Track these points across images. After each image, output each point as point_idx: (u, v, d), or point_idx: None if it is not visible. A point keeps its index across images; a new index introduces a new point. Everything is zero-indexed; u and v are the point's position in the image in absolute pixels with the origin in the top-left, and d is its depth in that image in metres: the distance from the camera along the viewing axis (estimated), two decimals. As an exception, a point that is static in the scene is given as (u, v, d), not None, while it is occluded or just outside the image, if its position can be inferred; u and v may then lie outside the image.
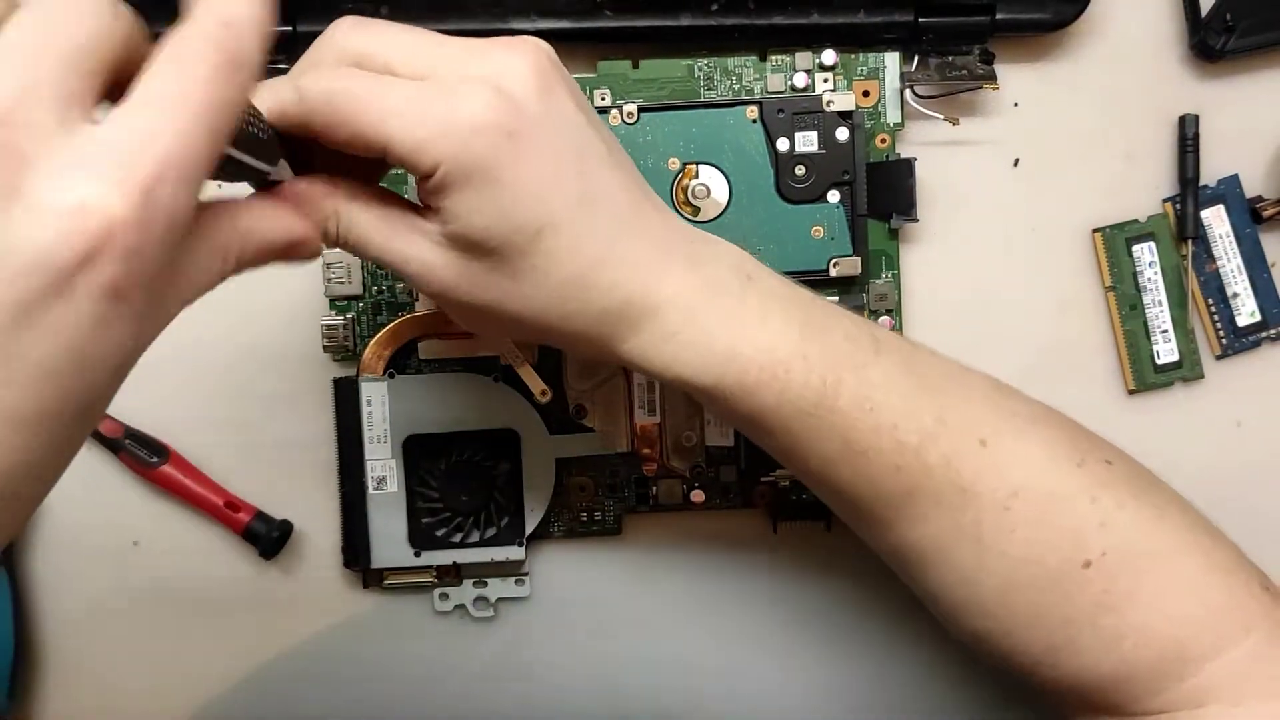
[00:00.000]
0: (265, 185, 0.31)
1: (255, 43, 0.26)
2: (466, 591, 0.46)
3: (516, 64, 0.31)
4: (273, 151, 0.30)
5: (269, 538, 0.45)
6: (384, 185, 0.34)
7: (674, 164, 0.44)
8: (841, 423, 0.35)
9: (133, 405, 0.45)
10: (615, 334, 0.34)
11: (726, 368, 0.34)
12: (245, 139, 0.28)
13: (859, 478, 0.36)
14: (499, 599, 0.46)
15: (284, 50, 0.43)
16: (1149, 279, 0.46)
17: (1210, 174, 0.46)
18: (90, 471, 0.46)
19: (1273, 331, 0.46)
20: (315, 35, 0.42)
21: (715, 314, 0.34)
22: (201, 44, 0.25)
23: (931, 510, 0.36)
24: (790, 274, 0.43)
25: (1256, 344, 0.47)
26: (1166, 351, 0.46)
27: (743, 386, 0.34)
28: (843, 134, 0.44)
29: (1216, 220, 0.46)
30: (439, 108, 0.30)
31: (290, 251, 0.31)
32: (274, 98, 0.30)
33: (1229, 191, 0.46)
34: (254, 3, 0.27)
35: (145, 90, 0.25)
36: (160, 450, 0.45)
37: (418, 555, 0.45)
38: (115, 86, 0.25)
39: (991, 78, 0.44)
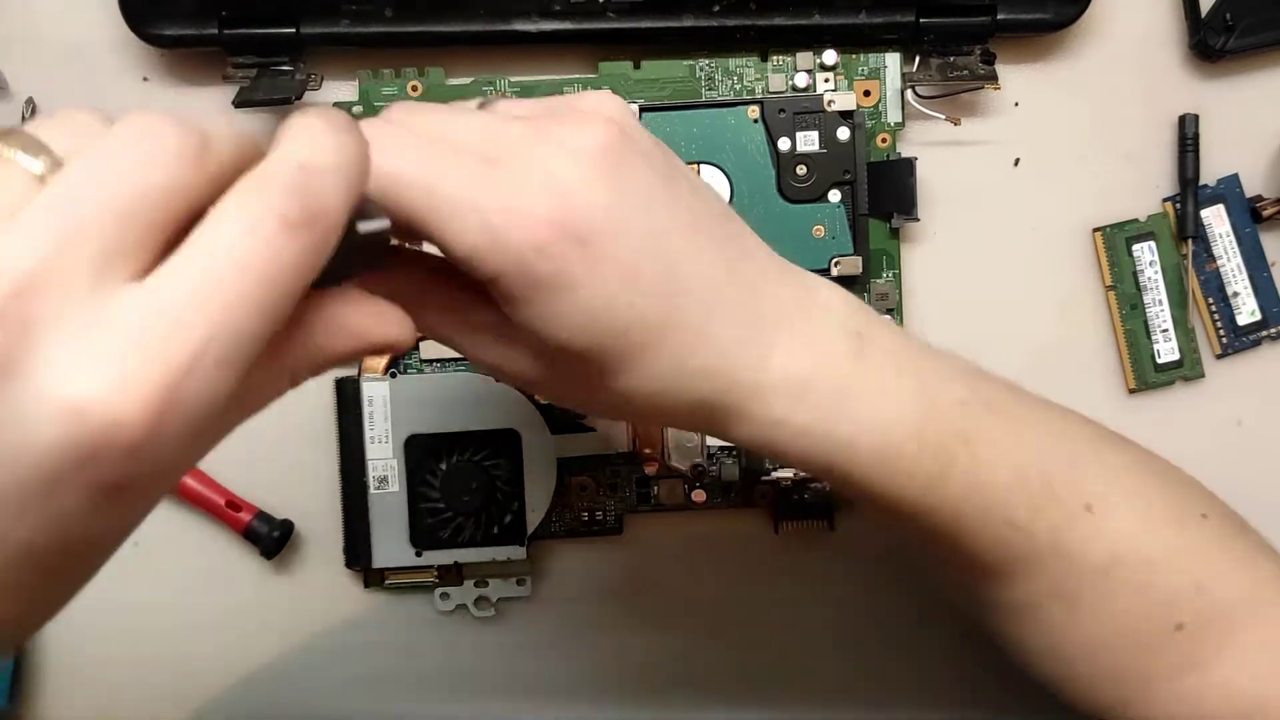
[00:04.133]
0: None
1: (341, 196, 0.23)
2: (468, 591, 0.46)
3: (583, 148, 0.28)
4: (349, 263, 0.25)
5: (270, 537, 0.45)
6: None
7: (675, 164, 0.44)
8: (951, 502, 0.33)
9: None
10: (719, 419, 0.31)
11: (837, 454, 0.32)
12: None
13: (962, 547, 0.35)
14: (500, 599, 0.46)
15: (287, 52, 0.43)
16: (1149, 278, 0.46)
17: (1210, 173, 0.46)
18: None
19: (1273, 330, 0.47)
20: (317, 37, 0.43)
21: (824, 395, 0.31)
22: (274, 192, 0.22)
23: (1031, 573, 0.35)
24: (791, 273, 0.44)
25: (1257, 343, 0.47)
26: (1167, 351, 0.46)
27: (853, 471, 0.32)
28: (844, 134, 0.44)
29: (1216, 220, 0.46)
30: (492, 215, 0.27)
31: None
32: None
33: (1229, 191, 0.46)
34: (344, 146, 0.23)
35: (196, 248, 0.21)
36: (162, 450, 0.45)
37: (419, 555, 0.45)
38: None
39: (992, 78, 0.44)
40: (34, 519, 0.20)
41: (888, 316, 0.45)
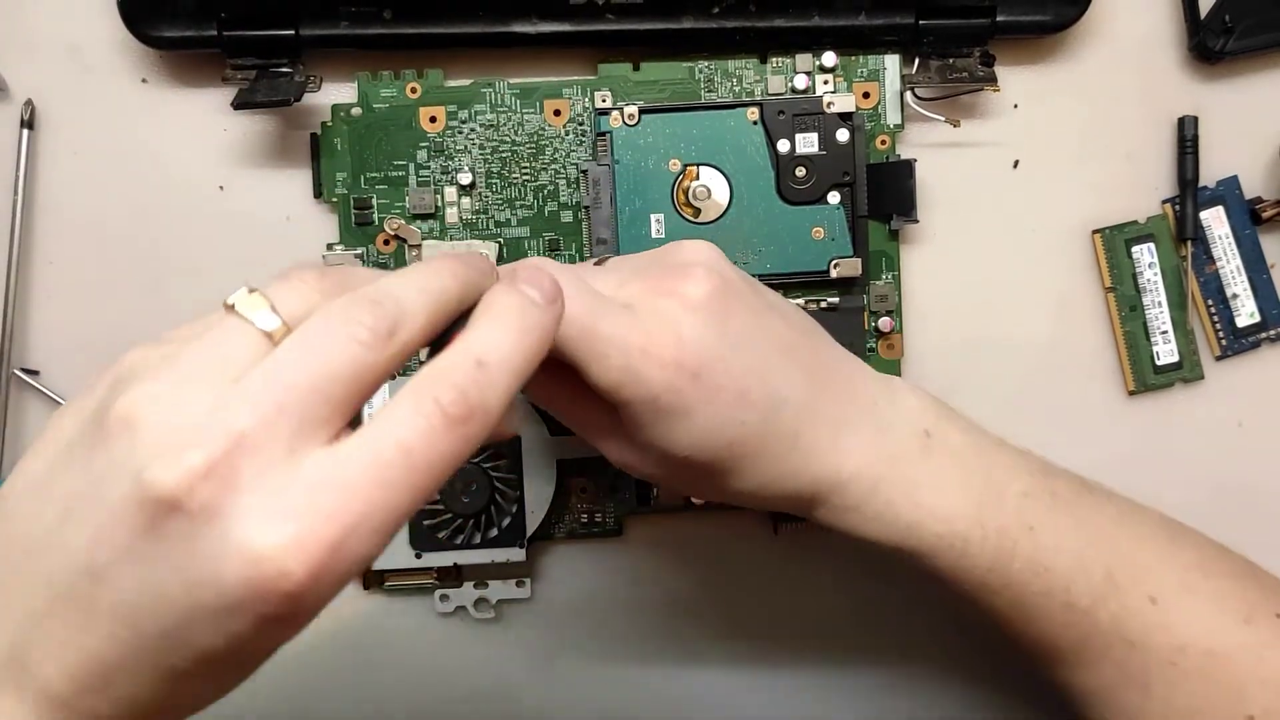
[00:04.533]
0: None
1: (505, 394, 0.26)
2: (467, 593, 0.46)
3: (695, 299, 0.33)
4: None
5: (270, 539, 0.45)
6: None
7: (675, 165, 0.44)
8: (1015, 585, 0.37)
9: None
10: (805, 506, 0.36)
11: (905, 537, 0.36)
12: None
13: (1029, 629, 0.38)
14: (500, 600, 0.46)
15: (286, 54, 0.43)
16: (1149, 280, 0.46)
17: (1209, 175, 0.46)
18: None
19: (1272, 332, 0.47)
20: (316, 39, 0.43)
21: (895, 487, 0.36)
22: (444, 386, 0.25)
23: (1098, 659, 0.37)
24: (791, 275, 0.44)
25: (1256, 345, 0.47)
26: (1166, 352, 0.46)
27: (920, 553, 0.36)
28: (843, 135, 0.44)
29: (1216, 221, 0.46)
30: (633, 356, 0.32)
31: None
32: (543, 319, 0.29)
33: (1228, 193, 0.46)
34: (533, 330, 0.27)
35: (374, 426, 0.25)
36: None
37: (418, 557, 0.45)
38: None
39: (992, 80, 0.44)
40: (216, 632, 0.24)
41: (887, 318, 0.45)
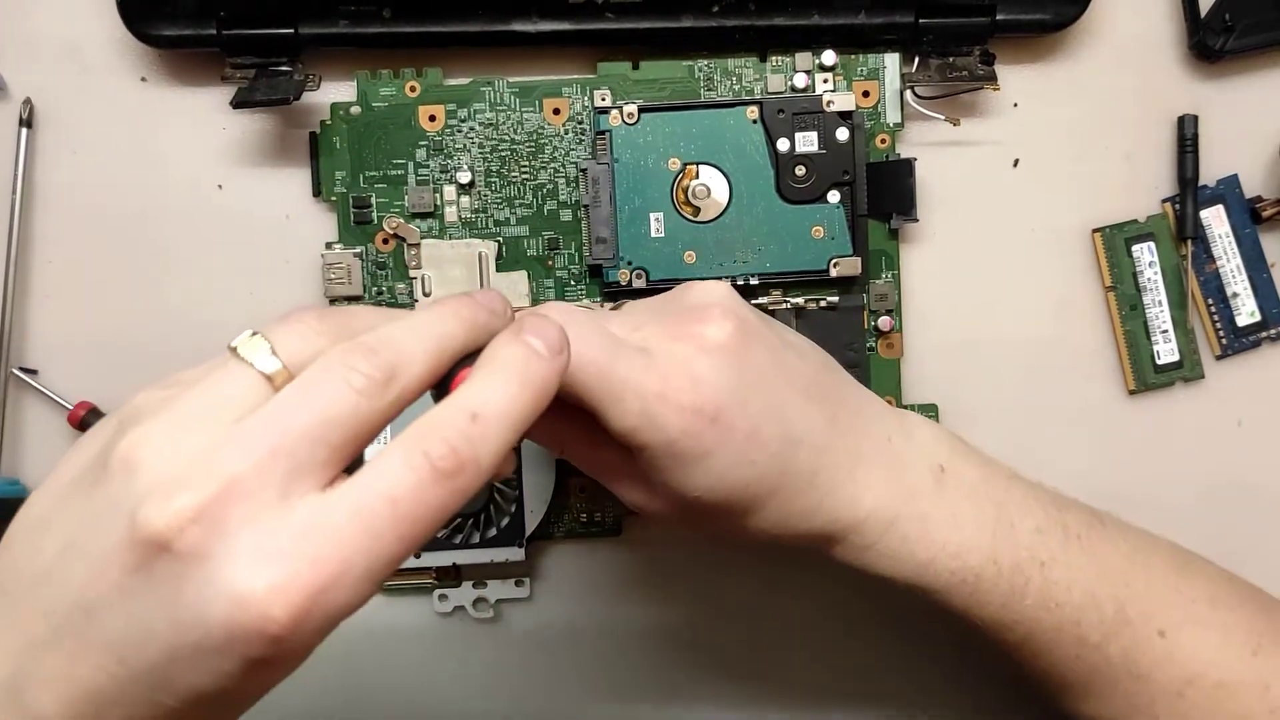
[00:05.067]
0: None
1: (497, 449, 0.26)
2: (466, 593, 0.46)
3: (712, 342, 0.33)
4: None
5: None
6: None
7: (674, 164, 0.44)
8: (1026, 620, 0.37)
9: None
10: (821, 544, 0.36)
11: (920, 574, 0.36)
12: None
13: (1038, 662, 0.38)
14: (499, 600, 0.46)
15: (285, 53, 0.43)
16: (1149, 279, 0.46)
17: (1210, 174, 0.46)
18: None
19: (1273, 331, 0.46)
20: (316, 37, 0.43)
21: (911, 523, 0.36)
22: (435, 439, 0.25)
23: (1107, 691, 0.38)
24: (790, 274, 0.44)
25: (1256, 344, 0.47)
26: (1166, 351, 0.46)
27: (934, 588, 0.36)
28: (843, 134, 0.44)
29: (1216, 220, 0.46)
30: (649, 400, 0.32)
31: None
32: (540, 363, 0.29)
33: (1228, 191, 0.46)
34: (533, 383, 0.27)
35: (364, 475, 0.25)
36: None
37: (417, 556, 0.45)
38: None
39: (992, 78, 0.44)
40: (203, 671, 0.24)
41: (887, 318, 0.45)
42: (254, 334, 0.26)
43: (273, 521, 0.24)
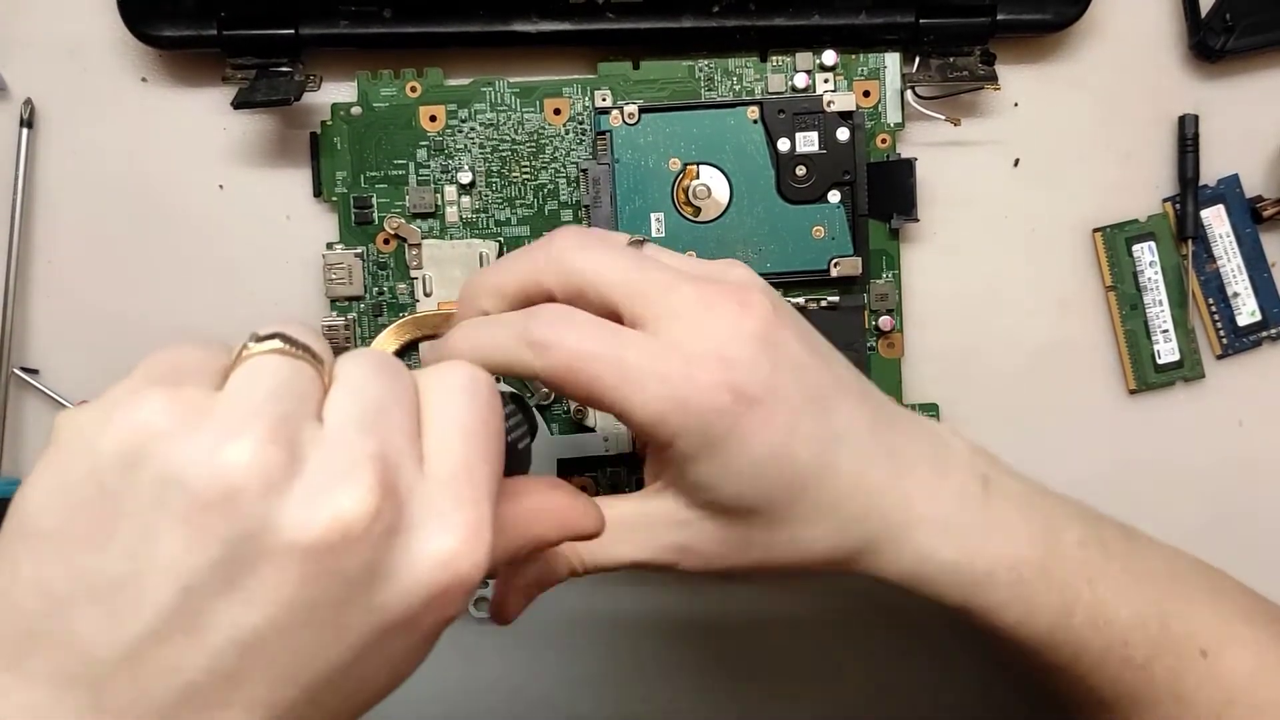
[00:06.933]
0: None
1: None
2: (468, 592, 0.46)
3: (746, 326, 0.31)
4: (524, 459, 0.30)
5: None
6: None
7: (675, 164, 0.44)
8: (1074, 640, 0.35)
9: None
10: (868, 555, 0.34)
11: (975, 589, 0.34)
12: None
13: (1081, 684, 0.36)
14: (500, 600, 0.46)
15: (286, 53, 0.43)
16: (1149, 279, 0.46)
17: (1210, 174, 0.46)
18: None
19: (1273, 331, 0.46)
20: (317, 38, 0.43)
21: (965, 531, 0.34)
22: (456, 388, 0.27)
23: (1148, 712, 0.36)
24: (791, 274, 0.44)
25: (1257, 343, 0.47)
26: (1167, 351, 0.46)
27: (990, 604, 0.34)
28: (843, 134, 0.44)
29: (1216, 220, 0.46)
30: (675, 382, 0.30)
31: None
32: (512, 356, 0.31)
33: (1229, 191, 0.46)
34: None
35: (431, 432, 0.26)
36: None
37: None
38: None
39: (992, 78, 0.44)
40: (378, 657, 0.25)
41: (887, 317, 0.45)
42: (258, 339, 0.25)
43: (426, 487, 0.25)
